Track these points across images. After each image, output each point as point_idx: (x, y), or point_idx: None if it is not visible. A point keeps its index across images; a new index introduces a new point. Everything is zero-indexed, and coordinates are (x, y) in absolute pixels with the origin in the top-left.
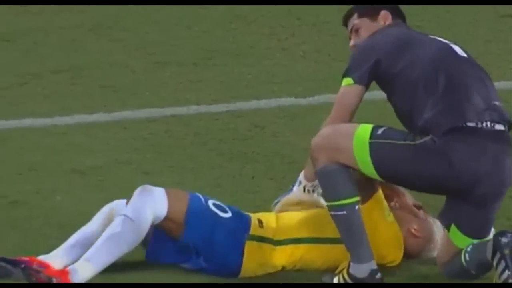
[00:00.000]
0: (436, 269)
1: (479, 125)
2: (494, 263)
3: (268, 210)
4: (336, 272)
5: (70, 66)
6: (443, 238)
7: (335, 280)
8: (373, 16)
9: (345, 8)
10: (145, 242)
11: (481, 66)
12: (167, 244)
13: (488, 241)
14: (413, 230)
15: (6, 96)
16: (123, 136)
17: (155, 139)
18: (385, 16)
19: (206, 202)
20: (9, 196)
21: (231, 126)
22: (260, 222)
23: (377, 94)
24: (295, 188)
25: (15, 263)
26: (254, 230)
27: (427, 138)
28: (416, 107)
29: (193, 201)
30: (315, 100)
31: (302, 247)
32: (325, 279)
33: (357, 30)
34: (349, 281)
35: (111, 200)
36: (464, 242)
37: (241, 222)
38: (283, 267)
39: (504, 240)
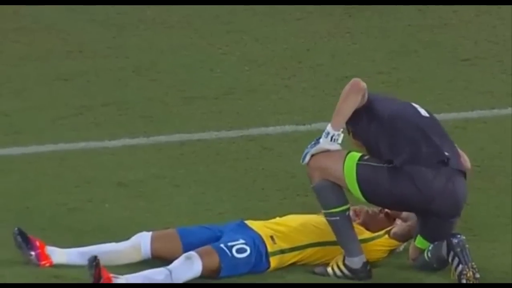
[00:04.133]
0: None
1: (431, 157)
2: (450, 260)
3: (274, 215)
4: (331, 264)
5: (116, 100)
6: (411, 244)
7: (329, 270)
8: None
9: (337, 53)
10: None
11: (441, 125)
12: None
13: (443, 242)
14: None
15: (65, 124)
16: (159, 156)
17: (184, 159)
18: None
19: (231, 251)
20: (68, 204)
21: (245, 148)
22: (272, 238)
23: None
24: (321, 140)
25: (29, 245)
26: (270, 247)
27: (393, 164)
28: (381, 143)
29: (223, 258)
30: (312, 127)
31: (310, 249)
32: (318, 270)
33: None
34: (344, 270)
35: (150, 207)
36: (425, 245)
37: (259, 252)
38: (295, 262)
39: (455, 240)
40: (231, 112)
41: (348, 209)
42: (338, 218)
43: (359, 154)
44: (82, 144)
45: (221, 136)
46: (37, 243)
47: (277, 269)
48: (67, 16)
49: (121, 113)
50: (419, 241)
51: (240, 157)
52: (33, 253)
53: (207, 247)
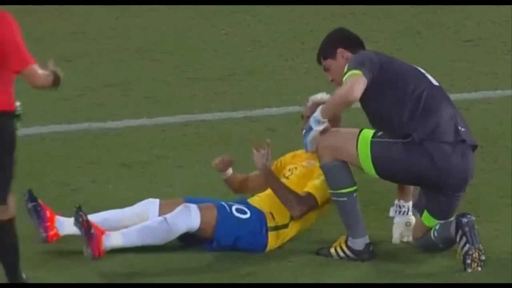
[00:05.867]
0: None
1: (450, 132)
2: (457, 239)
3: None
4: (334, 245)
5: (119, 81)
6: (416, 221)
7: (332, 251)
8: (332, 55)
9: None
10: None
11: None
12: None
13: (452, 221)
14: None
15: (68, 105)
16: (162, 137)
17: (187, 139)
18: (341, 52)
19: (230, 209)
20: (71, 185)
21: (248, 129)
22: (271, 214)
23: None
24: (312, 124)
25: (40, 218)
26: (270, 222)
27: (411, 138)
28: (400, 113)
29: (221, 212)
30: None
31: (305, 217)
32: (322, 252)
33: (328, 69)
34: (347, 252)
35: (153, 188)
36: (433, 223)
37: (258, 220)
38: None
39: (464, 220)
40: (234, 93)
41: (356, 190)
42: (345, 199)
43: (372, 131)
44: (85, 125)
45: (224, 117)
46: (48, 214)
47: (274, 247)
48: None
49: (124, 94)
50: (426, 218)
51: (243, 138)
52: (41, 227)
53: (208, 203)
